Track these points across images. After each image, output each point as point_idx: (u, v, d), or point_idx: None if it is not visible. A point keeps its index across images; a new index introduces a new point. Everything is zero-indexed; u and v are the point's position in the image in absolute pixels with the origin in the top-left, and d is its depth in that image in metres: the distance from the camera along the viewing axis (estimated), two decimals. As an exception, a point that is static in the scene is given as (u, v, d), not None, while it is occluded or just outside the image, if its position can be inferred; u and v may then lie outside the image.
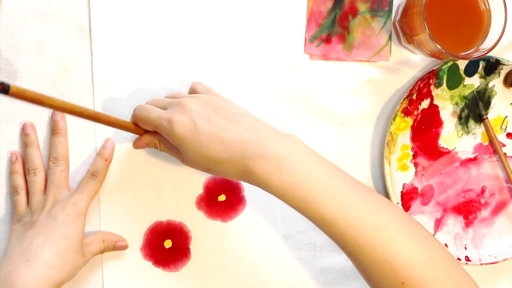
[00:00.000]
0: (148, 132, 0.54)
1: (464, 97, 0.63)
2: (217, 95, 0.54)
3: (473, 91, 0.63)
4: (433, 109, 0.63)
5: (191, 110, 0.49)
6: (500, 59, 0.62)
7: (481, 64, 0.62)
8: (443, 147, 0.64)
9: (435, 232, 0.64)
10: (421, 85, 0.61)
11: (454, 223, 0.65)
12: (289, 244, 0.62)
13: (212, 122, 0.49)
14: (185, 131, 0.48)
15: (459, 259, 0.63)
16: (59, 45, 0.58)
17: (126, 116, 0.59)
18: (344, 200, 0.47)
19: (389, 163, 0.61)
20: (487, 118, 0.64)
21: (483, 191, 0.65)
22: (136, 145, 0.55)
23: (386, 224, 0.47)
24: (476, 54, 0.56)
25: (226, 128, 0.48)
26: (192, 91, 0.56)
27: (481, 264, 0.63)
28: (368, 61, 0.62)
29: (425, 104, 0.62)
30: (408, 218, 0.49)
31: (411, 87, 0.61)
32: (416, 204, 0.64)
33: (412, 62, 0.63)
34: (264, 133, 0.49)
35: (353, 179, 0.50)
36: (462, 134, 0.64)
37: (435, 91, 0.62)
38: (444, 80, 0.62)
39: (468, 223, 0.65)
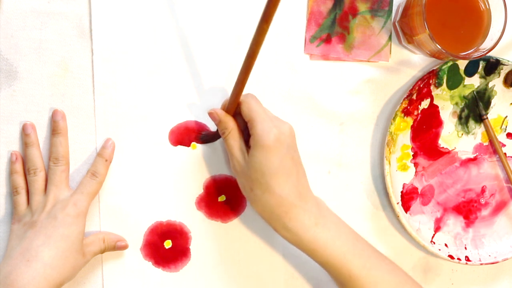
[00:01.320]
0: (234, 118, 0.55)
1: (464, 97, 0.63)
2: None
3: (473, 91, 0.63)
4: (433, 109, 0.63)
5: (291, 138, 0.52)
6: (500, 59, 0.62)
7: (481, 64, 0.62)
8: (443, 147, 0.64)
9: (435, 232, 0.64)
10: (421, 85, 0.61)
11: (454, 223, 0.65)
12: (289, 244, 0.62)
13: (294, 161, 0.52)
14: (274, 146, 0.50)
15: (459, 259, 0.63)
16: (59, 45, 0.58)
17: (126, 116, 0.59)
18: (368, 259, 0.53)
19: (389, 163, 0.61)
20: (487, 118, 0.64)
21: (483, 191, 0.65)
22: (215, 114, 0.55)
23: (402, 283, 0.54)
24: (476, 54, 0.56)
25: (298, 172, 0.52)
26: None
27: (481, 264, 0.63)
28: (368, 61, 0.62)
29: (425, 104, 0.62)
30: (415, 281, 0.56)
31: (411, 87, 0.61)
32: (416, 204, 0.64)
33: (412, 62, 0.63)
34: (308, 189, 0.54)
35: (369, 243, 0.55)
36: (462, 134, 0.64)
37: (435, 91, 0.62)
38: (444, 80, 0.62)
39: (468, 223, 0.65)
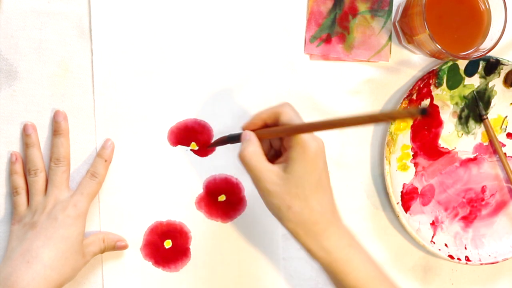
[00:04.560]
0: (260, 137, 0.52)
1: (464, 97, 0.63)
2: None
3: (473, 91, 0.63)
4: (433, 109, 0.63)
5: (325, 153, 0.50)
6: (500, 59, 0.62)
7: (481, 64, 0.62)
8: (443, 147, 0.64)
9: (435, 232, 0.64)
10: (421, 85, 0.61)
11: (454, 223, 0.65)
12: (289, 244, 0.62)
13: (328, 175, 0.50)
14: (316, 155, 0.48)
15: (459, 259, 0.63)
16: (59, 45, 0.58)
17: (126, 116, 0.59)
18: (380, 284, 0.50)
19: (389, 163, 0.61)
20: (487, 118, 0.64)
21: (483, 191, 0.65)
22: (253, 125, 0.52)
23: None
24: (476, 54, 0.56)
25: (331, 192, 0.50)
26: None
27: (481, 264, 0.63)
28: (368, 61, 0.62)
29: (425, 104, 0.62)
30: None
31: (411, 87, 0.61)
32: (416, 204, 0.64)
33: (412, 62, 0.63)
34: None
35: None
36: (462, 134, 0.64)
37: (435, 91, 0.62)
38: (444, 80, 0.62)
39: (468, 223, 0.65)
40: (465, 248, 0.64)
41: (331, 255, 0.49)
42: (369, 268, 0.50)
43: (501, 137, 0.65)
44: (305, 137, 0.48)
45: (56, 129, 0.57)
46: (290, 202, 0.48)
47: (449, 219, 0.65)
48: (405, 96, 0.61)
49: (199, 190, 0.61)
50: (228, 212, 0.61)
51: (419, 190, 0.64)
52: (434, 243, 0.63)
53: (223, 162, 0.61)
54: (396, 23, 0.60)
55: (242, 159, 0.49)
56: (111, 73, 0.59)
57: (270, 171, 0.49)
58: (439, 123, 0.63)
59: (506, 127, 0.65)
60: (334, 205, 0.50)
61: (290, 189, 0.48)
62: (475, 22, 0.58)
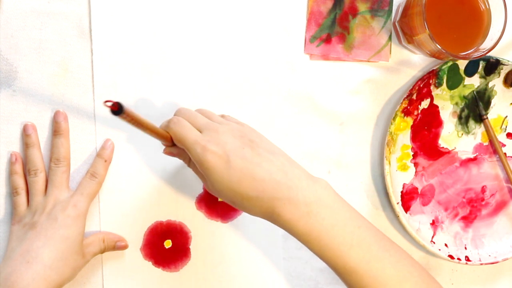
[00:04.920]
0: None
1: (464, 97, 0.63)
2: (250, 127, 0.52)
3: (473, 91, 0.63)
4: (433, 109, 0.63)
5: (227, 143, 0.48)
6: (500, 59, 0.62)
7: (481, 64, 0.62)
8: (443, 147, 0.64)
9: (434, 232, 0.64)
10: (421, 85, 0.61)
11: (454, 223, 0.65)
12: (289, 244, 0.62)
13: (246, 159, 0.47)
14: (217, 164, 0.47)
15: (459, 259, 0.63)
16: (59, 45, 0.58)
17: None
18: (368, 250, 0.48)
19: (389, 163, 0.61)
20: (487, 118, 0.64)
21: (483, 191, 0.65)
22: (167, 152, 0.54)
23: (406, 277, 0.48)
24: (476, 54, 0.56)
25: (259, 166, 0.47)
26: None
27: (481, 264, 0.63)
28: (368, 61, 0.62)
29: (425, 104, 0.62)
30: (425, 273, 0.50)
31: (411, 87, 0.61)
32: (416, 204, 0.64)
33: (412, 62, 0.63)
34: (296, 175, 0.48)
35: (377, 228, 0.50)
36: (462, 134, 0.64)
37: (435, 91, 0.62)
38: (444, 80, 0.62)
39: (468, 223, 0.65)
40: (465, 248, 0.64)
41: (290, 229, 0.48)
42: (333, 234, 0.47)
43: (501, 137, 0.65)
44: (194, 152, 0.48)
45: (56, 129, 0.57)
46: (231, 200, 0.49)
47: (449, 219, 0.65)
48: (405, 96, 0.61)
49: (199, 190, 0.61)
50: (228, 212, 0.61)
51: (419, 190, 0.64)
52: (434, 243, 0.63)
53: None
54: (396, 23, 0.60)
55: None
56: (111, 73, 0.59)
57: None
58: (439, 123, 0.63)
59: (506, 127, 0.65)
60: (281, 176, 0.47)
61: (223, 194, 0.49)
62: (475, 22, 0.58)
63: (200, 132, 0.49)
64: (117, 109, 0.41)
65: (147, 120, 0.48)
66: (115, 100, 0.41)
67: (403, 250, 0.50)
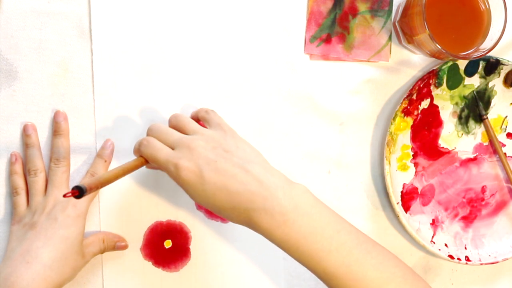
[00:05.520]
0: None
1: (464, 97, 0.63)
2: (228, 131, 0.52)
3: (473, 91, 0.63)
4: (433, 109, 0.63)
5: (199, 157, 0.48)
6: (500, 59, 0.62)
7: (481, 64, 0.62)
8: (443, 147, 0.64)
9: (434, 232, 0.64)
10: (421, 85, 0.61)
11: (454, 223, 0.65)
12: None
13: (219, 171, 0.47)
14: (191, 179, 0.47)
15: (459, 259, 0.63)
16: (59, 45, 0.58)
17: (126, 116, 0.59)
18: (348, 254, 0.47)
19: (389, 163, 0.61)
20: (487, 118, 0.64)
21: (483, 191, 0.65)
22: (150, 167, 0.55)
23: (389, 279, 0.47)
24: (476, 54, 0.56)
25: (233, 178, 0.47)
26: (202, 119, 0.55)
27: (481, 264, 0.63)
28: (368, 61, 0.62)
29: (425, 104, 0.62)
30: (410, 272, 0.49)
31: (411, 87, 0.61)
32: (416, 204, 0.64)
33: (412, 62, 0.63)
34: (272, 184, 0.48)
35: (359, 231, 0.49)
36: (462, 134, 0.64)
37: (435, 91, 0.62)
38: (444, 80, 0.62)
39: (468, 223, 0.65)
40: (465, 248, 0.64)
41: (269, 238, 0.48)
42: (311, 241, 0.47)
43: (501, 137, 0.65)
44: (165, 169, 0.49)
45: (56, 129, 0.57)
46: (211, 210, 0.49)
47: (449, 219, 0.65)
48: (405, 96, 0.61)
49: (199, 190, 0.61)
50: (228, 212, 0.61)
51: (419, 190, 0.64)
52: (434, 243, 0.63)
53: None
54: (396, 23, 0.60)
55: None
56: (111, 73, 0.59)
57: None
58: (439, 123, 0.63)
59: (506, 127, 0.65)
60: (255, 187, 0.47)
61: (203, 205, 0.49)
62: (475, 22, 0.58)
63: (173, 148, 0.50)
64: (79, 194, 0.43)
65: (115, 170, 0.48)
66: (73, 186, 0.44)
67: (387, 252, 0.50)
